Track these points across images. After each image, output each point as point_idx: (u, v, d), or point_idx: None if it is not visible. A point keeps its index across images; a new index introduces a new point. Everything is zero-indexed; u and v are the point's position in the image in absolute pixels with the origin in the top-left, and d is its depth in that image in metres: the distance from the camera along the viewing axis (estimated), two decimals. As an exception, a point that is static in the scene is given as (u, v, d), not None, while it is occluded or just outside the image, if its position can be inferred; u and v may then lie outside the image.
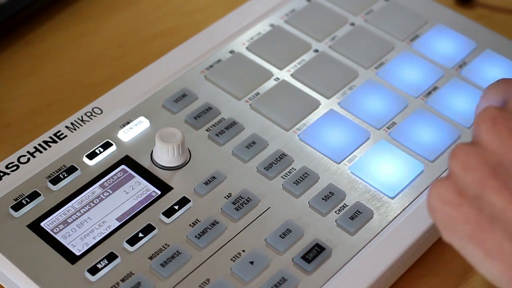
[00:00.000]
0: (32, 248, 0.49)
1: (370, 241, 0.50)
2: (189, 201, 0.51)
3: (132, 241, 0.49)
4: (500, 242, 0.36)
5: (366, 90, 0.59)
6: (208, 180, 0.53)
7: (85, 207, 0.51)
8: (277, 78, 0.60)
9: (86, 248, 0.49)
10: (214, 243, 0.50)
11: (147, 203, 0.51)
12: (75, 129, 0.55)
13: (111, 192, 0.52)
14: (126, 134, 0.55)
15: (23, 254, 0.49)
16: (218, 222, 0.50)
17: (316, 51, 0.62)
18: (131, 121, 0.56)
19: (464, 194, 0.38)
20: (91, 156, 0.53)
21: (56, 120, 0.56)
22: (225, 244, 0.50)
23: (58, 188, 0.52)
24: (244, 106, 0.58)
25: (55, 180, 0.52)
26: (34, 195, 0.51)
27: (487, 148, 0.38)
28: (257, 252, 0.49)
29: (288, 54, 0.61)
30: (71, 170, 0.53)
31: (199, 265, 0.49)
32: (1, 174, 0.52)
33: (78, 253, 0.49)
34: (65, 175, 0.52)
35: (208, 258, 0.49)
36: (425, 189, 0.53)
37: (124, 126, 0.55)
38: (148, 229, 0.50)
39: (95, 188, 0.52)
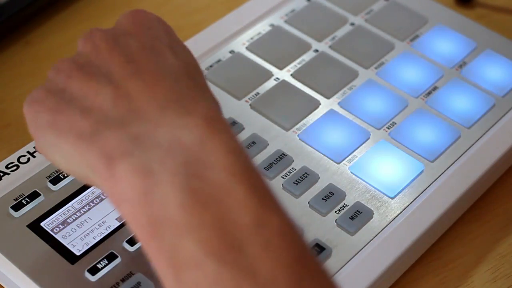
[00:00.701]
0: (32, 248, 0.49)
1: (370, 241, 0.50)
2: (189, 201, 0.51)
3: (132, 241, 0.49)
4: (73, 117, 0.40)
5: (366, 90, 0.59)
6: (208, 180, 0.53)
7: (85, 207, 0.51)
8: (277, 78, 0.60)
9: (86, 248, 0.49)
10: (214, 243, 0.50)
11: (147, 203, 0.51)
12: (75, 129, 0.55)
13: (111, 192, 0.52)
14: (126, 134, 0.55)
15: (23, 254, 0.49)
16: (218, 222, 0.50)
17: (316, 51, 0.62)
18: (131, 121, 0.56)
19: (51, 91, 0.42)
20: (91, 156, 0.53)
21: (56, 120, 0.56)
22: (225, 244, 0.50)
23: (58, 188, 0.52)
24: (244, 106, 0.58)
25: (55, 180, 0.52)
26: (34, 195, 0.51)
27: (80, 54, 0.43)
28: (257, 252, 0.49)
29: (288, 54, 0.61)
30: (71, 170, 0.53)
31: (199, 265, 0.49)
32: (1, 174, 0.52)
33: (78, 253, 0.49)
34: (65, 175, 0.52)
35: (208, 258, 0.49)
36: (425, 189, 0.53)
37: (124, 126, 0.55)
38: (148, 229, 0.50)
39: (95, 188, 0.52)
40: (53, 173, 0.52)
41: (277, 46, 0.62)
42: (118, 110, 0.39)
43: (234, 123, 0.56)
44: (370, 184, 0.53)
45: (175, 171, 0.37)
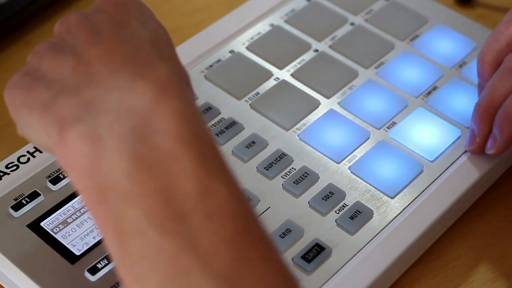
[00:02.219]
0: (32, 248, 0.49)
1: (370, 241, 0.50)
2: (189, 201, 0.51)
3: (132, 241, 0.49)
4: (40, 92, 0.40)
5: (366, 90, 0.59)
6: (208, 180, 0.53)
7: (85, 207, 0.51)
8: (277, 78, 0.60)
9: (86, 248, 0.49)
10: (214, 243, 0.50)
11: (147, 203, 0.51)
12: (75, 129, 0.55)
13: (111, 192, 0.52)
14: (126, 134, 0.55)
15: (23, 254, 0.49)
16: (218, 222, 0.50)
17: (316, 51, 0.62)
18: (131, 121, 0.56)
19: (26, 73, 0.42)
20: (91, 156, 0.53)
21: (56, 120, 0.56)
22: (225, 244, 0.50)
23: (58, 188, 0.52)
24: (244, 106, 0.58)
25: (55, 180, 0.52)
26: (34, 195, 0.51)
27: (55, 35, 0.43)
28: (257, 252, 0.49)
29: (288, 54, 0.61)
30: (71, 170, 0.53)
31: (199, 265, 0.49)
32: (1, 174, 0.52)
33: (78, 253, 0.49)
34: (65, 175, 0.52)
35: (208, 258, 0.49)
36: (425, 189, 0.53)
37: (124, 126, 0.55)
38: (148, 229, 0.50)
39: (95, 188, 0.52)
40: (53, 173, 0.52)
41: (277, 46, 0.62)
42: (76, 78, 0.39)
43: (234, 123, 0.56)
44: (370, 184, 0.53)
45: (122, 137, 0.36)
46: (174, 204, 0.35)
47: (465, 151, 0.55)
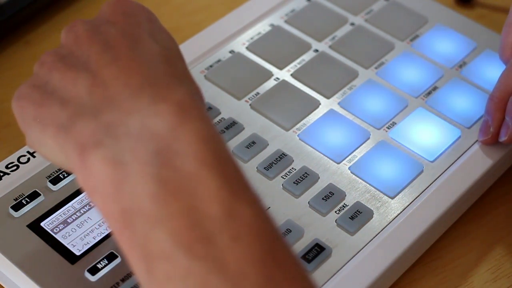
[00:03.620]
0: (32, 248, 0.49)
1: (370, 241, 0.50)
2: (189, 201, 0.51)
3: (132, 241, 0.49)
4: (53, 110, 0.40)
5: (366, 90, 0.59)
6: (208, 180, 0.52)
7: (85, 207, 0.51)
8: (277, 78, 0.60)
9: (86, 248, 0.49)
10: (214, 243, 0.50)
11: (147, 203, 0.51)
12: (75, 129, 0.55)
13: (111, 192, 0.52)
14: (126, 134, 0.55)
15: (23, 254, 0.49)
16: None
17: (316, 51, 0.62)
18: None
19: (35, 85, 0.42)
20: (91, 156, 0.53)
21: (56, 120, 0.56)
22: (225, 244, 0.50)
23: (58, 188, 0.52)
24: (244, 106, 0.58)
25: (55, 180, 0.52)
26: (34, 195, 0.51)
27: (62, 45, 0.43)
28: (257, 252, 0.49)
29: (288, 54, 0.61)
30: (71, 170, 0.53)
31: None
32: (1, 174, 0.52)
33: (78, 253, 0.49)
34: (65, 175, 0.52)
35: (208, 258, 0.49)
36: (425, 189, 0.53)
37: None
38: (148, 229, 0.50)
39: (95, 188, 0.52)
40: (53, 173, 0.52)
41: (277, 46, 0.62)
42: (93, 99, 0.39)
43: (234, 123, 0.56)
44: (370, 184, 0.53)
45: (145, 161, 0.36)
46: (200, 226, 0.35)
47: (465, 151, 0.55)
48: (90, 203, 0.51)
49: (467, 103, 0.58)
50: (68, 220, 0.50)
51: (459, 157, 0.55)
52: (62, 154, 0.39)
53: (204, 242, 0.35)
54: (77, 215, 0.51)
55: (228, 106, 0.57)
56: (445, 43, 0.63)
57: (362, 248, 0.50)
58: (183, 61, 0.43)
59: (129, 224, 0.36)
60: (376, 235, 0.51)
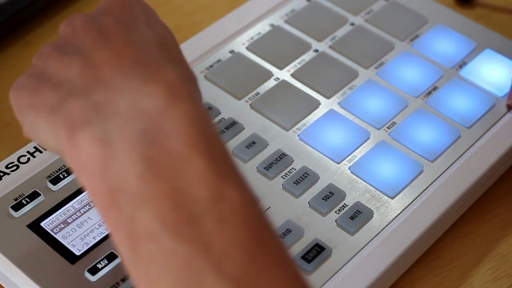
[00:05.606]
0: (32, 248, 0.49)
1: (370, 241, 0.50)
2: (189, 201, 0.51)
3: (132, 241, 0.49)
4: (46, 94, 0.40)
5: (366, 90, 0.59)
6: (208, 180, 0.52)
7: (85, 207, 0.51)
8: (277, 78, 0.60)
9: (86, 248, 0.49)
10: (214, 243, 0.50)
11: (147, 203, 0.51)
12: (75, 129, 0.55)
13: (111, 192, 0.52)
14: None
15: (23, 254, 0.49)
16: (218, 222, 0.50)
17: (316, 51, 0.62)
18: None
19: (32, 75, 0.42)
20: (91, 156, 0.53)
21: (56, 120, 0.56)
22: (225, 244, 0.50)
23: (58, 188, 0.52)
24: (244, 106, 0.58)
25: (55, 180, 0.52)
26: (34, 195, 0.51)
27: (60, 37, 0.43)
28: (257, 252, 0.49)
29: (288, 54, 0.61)
30: (71, 170, 0.53)
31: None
32: (1, 174, 0.52)
33: (78, 253, 0.49)
34: (65, 175, 0.52)
35: (208, 258, 0.49)
36: (425, 189, 0.53)
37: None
38: (148, 229, 0.50)
39: (95, 188, 0.52)
40: (53, 173, 0.52)
41: (277, 46, 0.62)
42: (84, 80, 0.39)
43: (234, 123, 0.56)
44: (370, 184, 0.53)
45: (133, 140, 0.36)
46: (186, 207, 0.35)
47: (465, 151, 0.55)
48: (90, 203, 0.51)
49: (467, 103, 0.58)
50: (68, 220, 0.50)
51: (459, 157, 0.55)
52: (54, 136, 0.39)
53: (189, 224, 0.35)
54: (77, 215, 0.51)
55: (228, 106, 0.57)
56: (445, 43, 0.63)
57: (362, 248, 0.50)
58: (178, 48, 0.43)
59: (115, 203, 0.36)
60: (376, 235, 0.51)
